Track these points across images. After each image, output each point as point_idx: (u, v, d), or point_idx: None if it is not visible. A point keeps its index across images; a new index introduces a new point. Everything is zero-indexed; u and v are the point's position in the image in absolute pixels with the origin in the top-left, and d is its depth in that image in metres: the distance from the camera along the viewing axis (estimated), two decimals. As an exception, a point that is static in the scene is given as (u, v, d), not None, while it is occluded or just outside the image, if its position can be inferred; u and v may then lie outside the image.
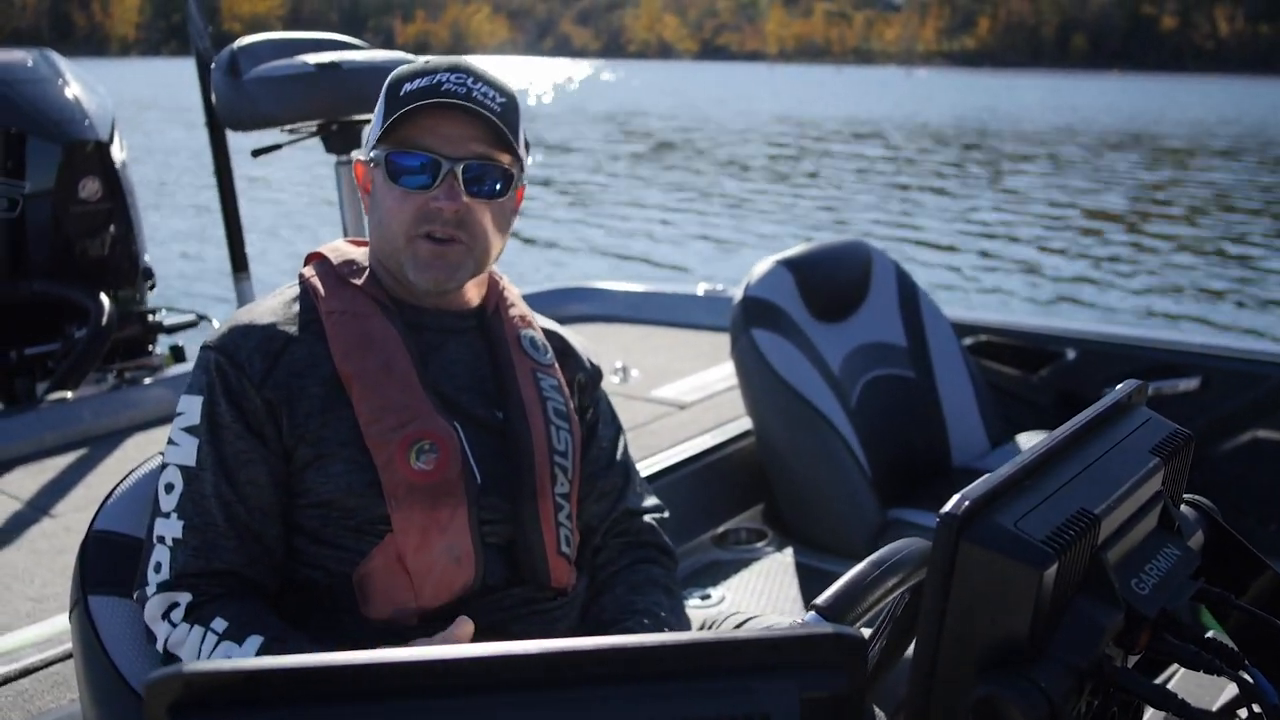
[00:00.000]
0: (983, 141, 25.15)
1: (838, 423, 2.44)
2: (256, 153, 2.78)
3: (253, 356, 1.30)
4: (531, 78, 58.55)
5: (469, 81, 1.32)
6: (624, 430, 1.58)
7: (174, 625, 1.24)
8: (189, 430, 1.30)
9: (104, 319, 3.07)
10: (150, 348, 3.39)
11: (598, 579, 1.46)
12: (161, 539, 1.27)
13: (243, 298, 3.66)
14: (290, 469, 1.31)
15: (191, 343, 3.56)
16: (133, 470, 1.42)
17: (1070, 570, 0.82)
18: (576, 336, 1.57)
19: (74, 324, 3.17)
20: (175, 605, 1.24)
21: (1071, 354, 2.92)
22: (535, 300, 3.86)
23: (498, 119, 1.31)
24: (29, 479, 2.67)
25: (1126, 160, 21.58)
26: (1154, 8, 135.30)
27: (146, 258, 3.39)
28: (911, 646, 0.86)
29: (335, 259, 1.42)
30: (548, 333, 1.52)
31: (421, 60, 1.38)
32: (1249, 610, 0.97)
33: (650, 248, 11.44)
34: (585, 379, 1.52)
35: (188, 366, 3.33)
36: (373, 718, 0.54)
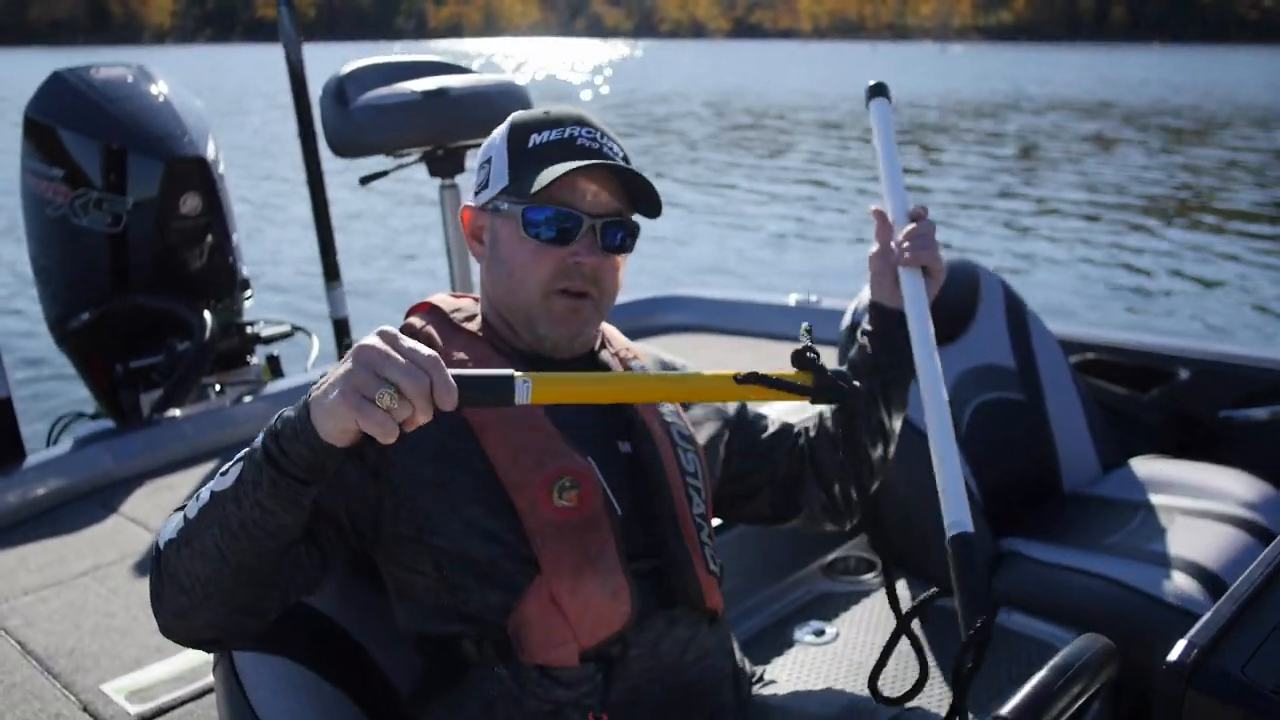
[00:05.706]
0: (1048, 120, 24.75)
1: None
2: (364, 180, 2.79)
3: None
4: (569, 58, 58.27)
5: (599, 136, 1.35)
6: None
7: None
8: None
9: (206, 334, 3.09)
10: (248, 358, 3.41)
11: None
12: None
13: (335, 305, 3.69)
14: (414, 511, 1.26)
15: (287, 353, 3.59)
16: None
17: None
18: (678, 358, 1.62)
19: (175, 336, 3.18)
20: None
21: (1184, 374, 2.82)
22: (626, 309, 3.87)
23: (631, 173, 1.33)
24: (145, 499, 2.70)
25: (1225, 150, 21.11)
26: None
27: (244, 268, 3.41)
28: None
29: (446, 308, 1.43)
30: (656, 360, 1.57)
31: (541, 110, 1.38)
32: None
33: (731, 248, 10.88)
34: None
35: (286, 381, 3.36)
36: None
